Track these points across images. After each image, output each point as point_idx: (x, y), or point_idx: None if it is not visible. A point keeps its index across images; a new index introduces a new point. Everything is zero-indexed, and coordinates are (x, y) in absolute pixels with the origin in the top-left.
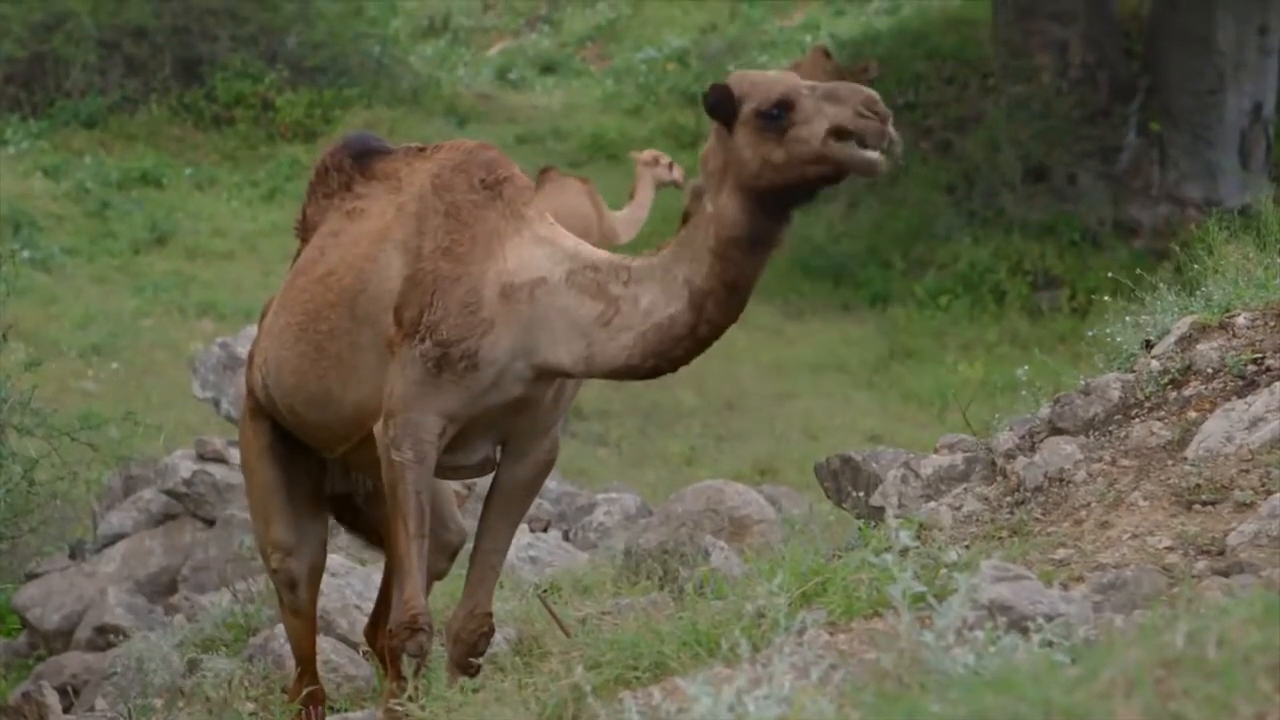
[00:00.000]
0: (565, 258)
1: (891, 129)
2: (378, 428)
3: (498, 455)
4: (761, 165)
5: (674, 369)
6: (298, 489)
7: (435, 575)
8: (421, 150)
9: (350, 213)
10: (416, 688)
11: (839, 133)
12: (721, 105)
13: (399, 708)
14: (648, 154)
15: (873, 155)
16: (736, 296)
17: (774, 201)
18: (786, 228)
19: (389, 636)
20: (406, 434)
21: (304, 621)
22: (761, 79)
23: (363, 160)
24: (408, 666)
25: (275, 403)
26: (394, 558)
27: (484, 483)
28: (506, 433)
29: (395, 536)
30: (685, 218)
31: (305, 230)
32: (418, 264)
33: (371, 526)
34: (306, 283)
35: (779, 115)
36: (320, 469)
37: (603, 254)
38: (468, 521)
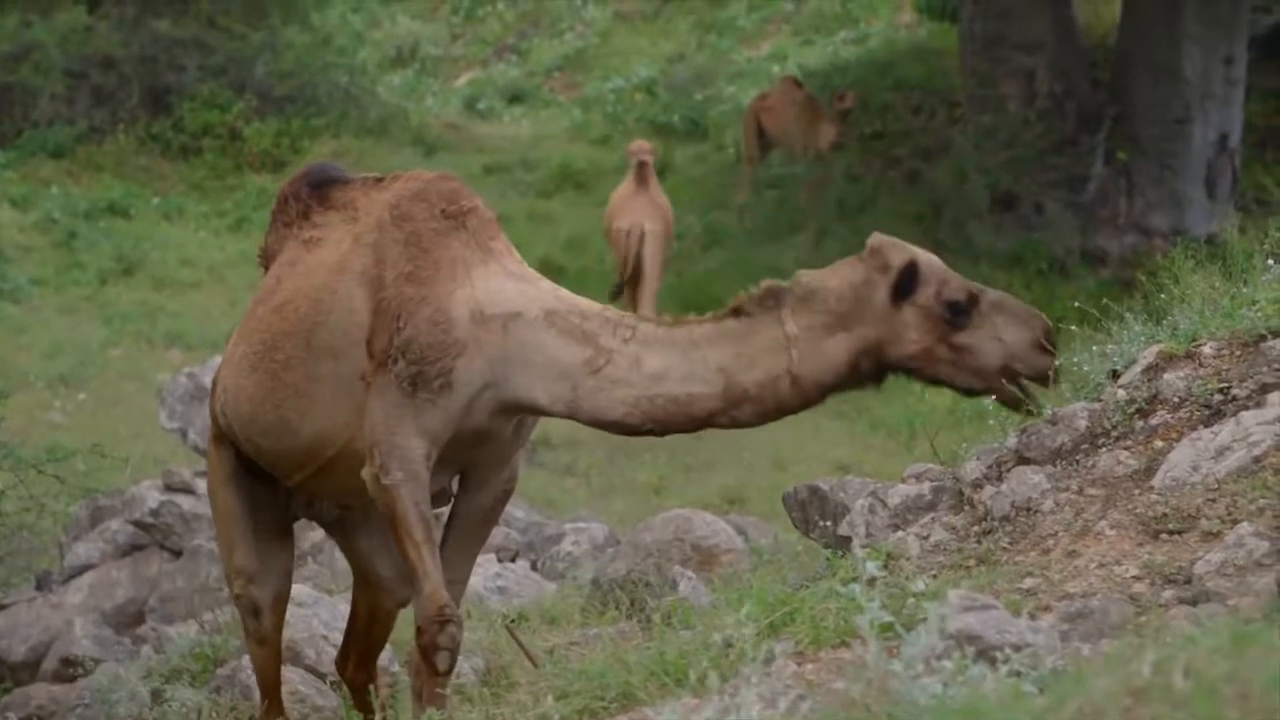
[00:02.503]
0: (543, 297)
1: (1056, 364)
2: (366, 467)
3: (454, 487)
4: (919, 351)
5: (663, 435)
6: (262, 516)
7: (400, 602)
8: (379, 180)
9: (308, 242)
10: (384, 718)
11: (1012, 361)
12: (905, 280)
13: None
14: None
15: (1029, 396)
16: (777, 417)
17: (886, 374)
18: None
19: (419, 635)
20: (393, 457)
21: (268, 650)
22: (932, 263)
23: (320, 190)
24: (441, 661)
25: (234, 430)
26: (405, 567)
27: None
28: (466, 463)
29: (402, 550)
30: (738, 310)
31: (266, 259)
32: (380, 293)
33: None
34: (264, 312)
35: (963, 310)
36: (286, 496)
37: (588, 302)
38: None
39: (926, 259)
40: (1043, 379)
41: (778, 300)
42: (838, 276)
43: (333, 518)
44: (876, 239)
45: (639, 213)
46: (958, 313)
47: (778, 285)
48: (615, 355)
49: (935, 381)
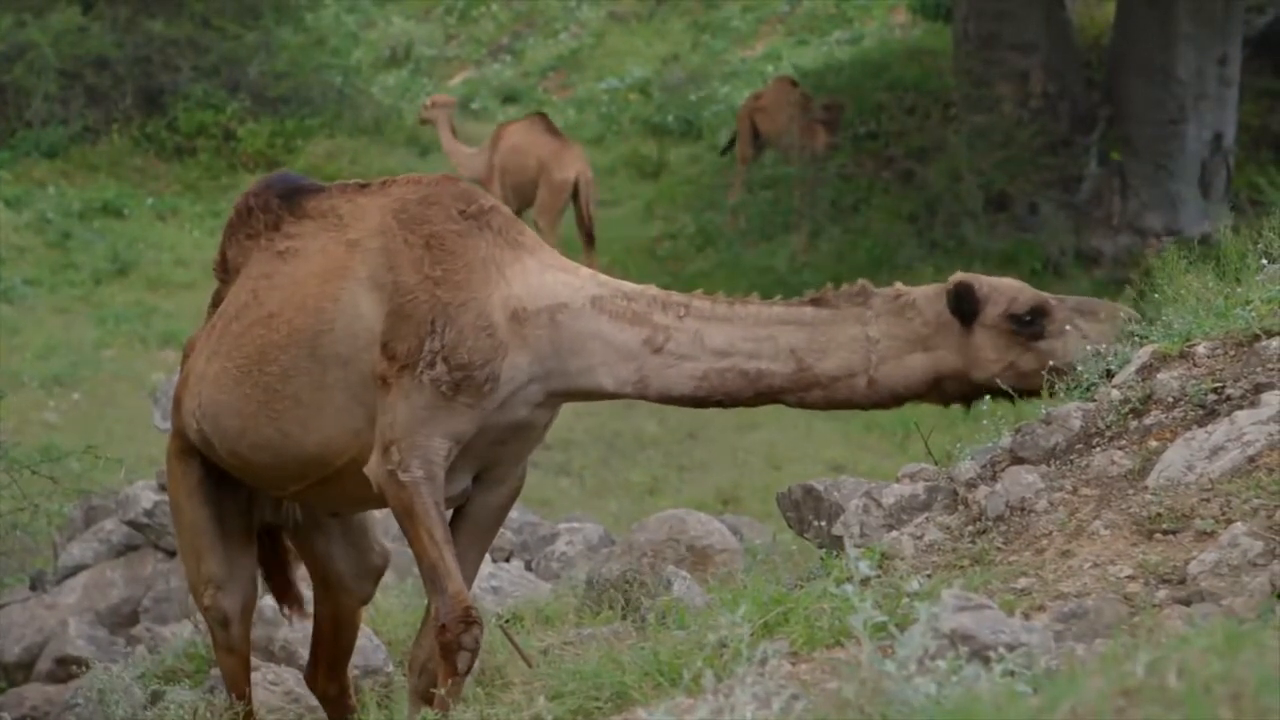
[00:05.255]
0: (586, 285)
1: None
2: (374, 459)
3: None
4: (1005, 368)
5: (730, 408)
6: (228, 525)
7: (361, 599)
8: (363, 186)
9: (283, 254)
10: None
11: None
12: (964, 303)
13: None
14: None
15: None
16: (845, 408)
17: (981, 394)
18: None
19: (442, 633)
20: (414, 455)
21: (237, 659)
22: (1002, 284)
23: (291, 200)
24: (462, 662)
25: (213, 446)
26: (421, 569)
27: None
28: (489, 460)
29: (421, 548)
30: (820, 300)
31: (226, 272)
32: (401, 297)
33: (275, 563)
34: (243, 327)
35: (1033, 322)
36: (250, 504)
37: (630, 284)
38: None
39: (990, 282)
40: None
41: (866, 300)
42: (928, 299)
43: (297, 522)
44: (958, 276)
45: (577, 161)
46: (1027, 324)
47: (871, 286)
48: (674, 331)
49: (1038, 392)
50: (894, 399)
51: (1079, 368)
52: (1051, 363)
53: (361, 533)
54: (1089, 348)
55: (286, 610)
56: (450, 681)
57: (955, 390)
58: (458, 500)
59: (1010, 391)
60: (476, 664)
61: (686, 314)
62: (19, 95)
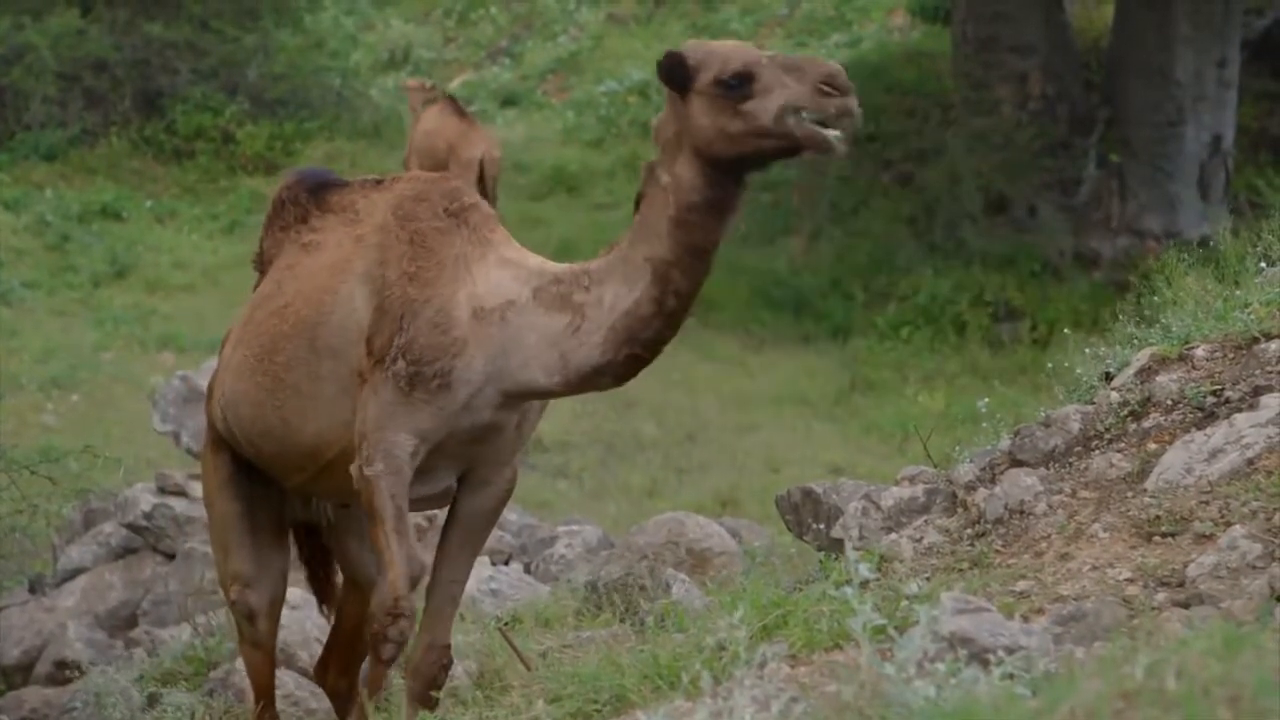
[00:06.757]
0: (531, 278)
1: (854, 103)
2: (357, 456)
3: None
4: (717, 134)
5: (650, 354)
6: (258, 521)
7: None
8: (379, 182)
9: (306, 245)
10: None
11: (796, 109)
12: (676, 72)
13: None
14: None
15: (830, 134)
16: (701, 262)
17: (729, 168)
18: (743, 193)
19: (369, 622)
20: (379, 450)
21: (263, 654)
22: (720, 48)
23: (318, 193)
24: (385, 651)
25: (234, 434)
26: (376, 555)
27: (442, 514)
28: (469, 461)
29: (374, 536)
30: (639, 199)
31: (263, 263)
32: (384, 292)
33: (318, 566)
34: (263, 315)
35: (738, 85)
36: (282, 500)
37: (564, 266)
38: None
39: (693, 47)
40: (835, 121)
41: (652, 166)
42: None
43: (327, 521)
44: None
45: (483, 140)
46: (734, 87)
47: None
48: (586, 308)
49: (762, 159)
50: (696, 214)
51: (794, 130)
52: (759, 125)
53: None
54: (806, 119)
55: (325, 609)
56: (376, 669)
57: (712, 172)
58: (441, 499)
59: (740, 164)
60: (458, 665)
61: (590, 282)
62: (17, 98)
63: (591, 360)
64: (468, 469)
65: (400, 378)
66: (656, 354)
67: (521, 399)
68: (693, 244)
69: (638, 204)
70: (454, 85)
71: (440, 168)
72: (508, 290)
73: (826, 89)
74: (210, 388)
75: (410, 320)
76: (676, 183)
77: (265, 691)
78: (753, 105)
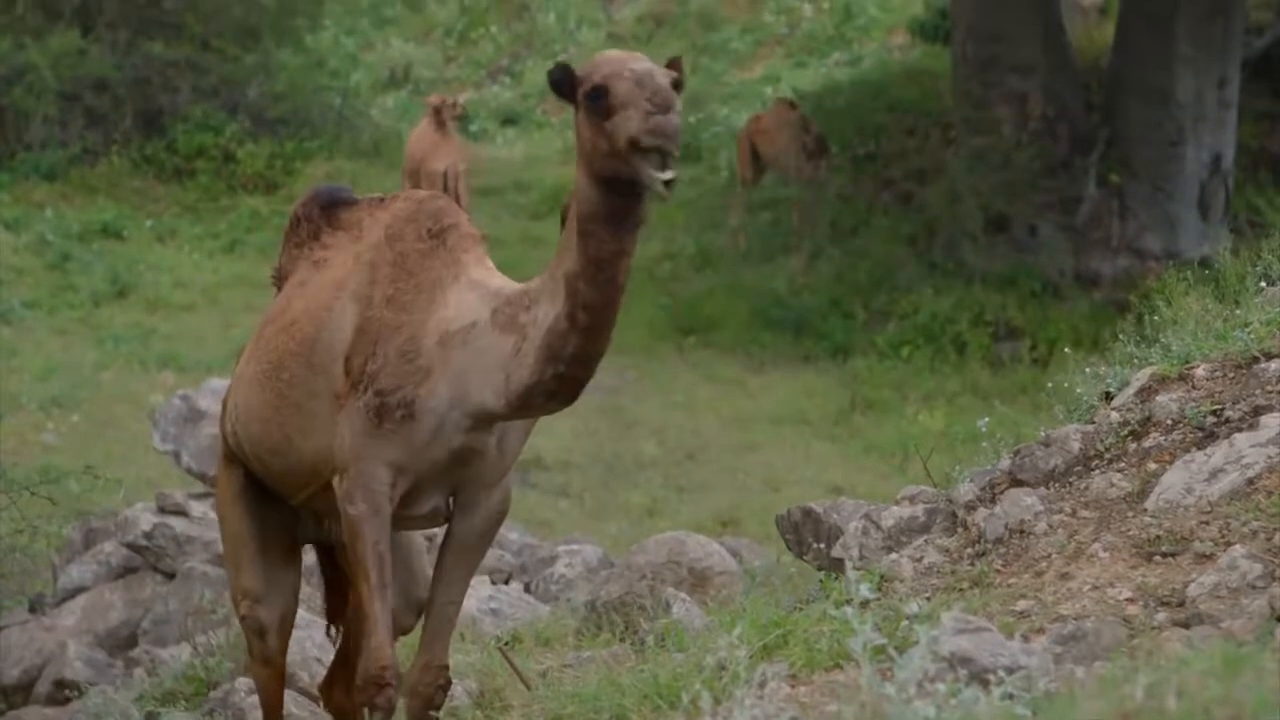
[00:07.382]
0: (490, 298)
1: (673, 121)
2: (335, 482)
3: (449, 505)
4: (594, 150)
5: (579, 371)
6: (270, 537)
7: (401, 630)
8: (383, 200)
9: (317, 263)
10: None
11: (634, 144)
12: (562, 83)
13: None
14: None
15: (656, 178)
16: (604, 274)
17: (612, 185)
18: (641, 204)
19: (357, 692)
20: (358, 486)
21: (273, 671)
22: (601, 58)
23: (330, 210)
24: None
25: (244, 450)
26: (358, 612)
27: (440, 532)
28: (456, 483)
29: (358, 590)
30: (564, 216)
31: (280, 280)
32: (367, 312)
33: (333, 580)
34: (273, 331)
35: (597, 99)
36: (294, 517)
37: (516, 286)
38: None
39: (603, 58)
40: (662, 136)
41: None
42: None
43: (337, 538)
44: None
45: (451, 154)
46: (594, 103)
47: None
48: (528, 329)
49: (634, 180)
50: (594, 224)
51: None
52: (617, 147)
53: (408, 564)
54: (650, 125)
55: (334, 630)
56: None
57: (608, 188)
58: (431, 520)
59: (613, 183)
60: (458, 685)
61: (530, 301)
62: (18, 117)
63: (524, 381)
64: (456, 490)
65: (369, 409)
66: (587, 371)
67: (482, 422)
68: (595, 256)
69: (563, 219)
70: None
71: (416, 180)
72: (472, 312)
73: (653, 109)
74: (224, 403)
75: (382, 346)
76: (577, 193)
77: (274, 710)
78: (611, 125)
